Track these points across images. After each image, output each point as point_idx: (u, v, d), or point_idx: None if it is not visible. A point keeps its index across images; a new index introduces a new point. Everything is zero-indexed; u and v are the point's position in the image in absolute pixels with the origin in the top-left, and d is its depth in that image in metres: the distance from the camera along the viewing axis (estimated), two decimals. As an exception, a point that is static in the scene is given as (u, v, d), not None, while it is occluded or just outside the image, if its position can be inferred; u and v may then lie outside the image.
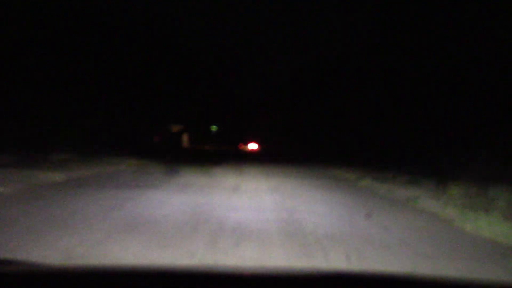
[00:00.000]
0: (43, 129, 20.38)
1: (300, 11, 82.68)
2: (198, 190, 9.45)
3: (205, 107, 51.73)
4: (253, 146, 69.17)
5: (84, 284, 1.31)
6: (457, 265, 4.41)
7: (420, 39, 18.01)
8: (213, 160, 24.15)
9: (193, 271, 1.63)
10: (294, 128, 45.61)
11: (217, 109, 59.34)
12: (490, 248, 5.33)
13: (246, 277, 1.52)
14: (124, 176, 12.38)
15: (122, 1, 30.63)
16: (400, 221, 6.82)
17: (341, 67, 29.92)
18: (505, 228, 6.16)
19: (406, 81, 19.11)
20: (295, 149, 41.16)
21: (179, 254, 4.31)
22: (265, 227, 5.75)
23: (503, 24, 14.35)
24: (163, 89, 36.68)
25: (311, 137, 38.00)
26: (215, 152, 41.51)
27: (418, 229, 6.30)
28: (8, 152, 15.94)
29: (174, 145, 40.08)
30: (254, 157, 32.09)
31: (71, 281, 1.32)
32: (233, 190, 9.83)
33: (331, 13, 59.94)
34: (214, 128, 61.33)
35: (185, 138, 48.94)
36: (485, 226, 6.34)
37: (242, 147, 69.30)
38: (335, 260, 4.34)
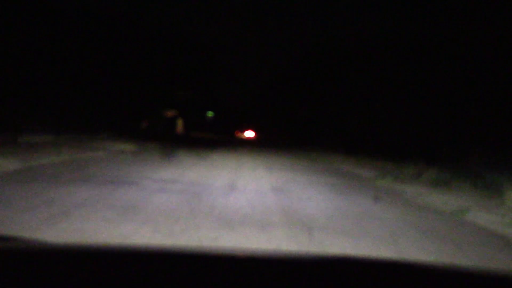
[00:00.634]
0: (17, 108, 18.19)
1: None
2: (190, 191, 7.38)
3: (201, 93, 49.45)
4: (249, 134, 67.33)
5: (84, 262, 1.24)
6: None
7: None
8: (207, 149, 22.06)
9: (188, 252, 1.56)
10: (293, 116, 43.42)
11: (213, 95, 57.03)
12: None
13: (241, 259, 1.45)
14: (98, 165, 10.28)
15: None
16: (469, 254, 4.79)
17: (349, 49, 27.75)
18: None
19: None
20: (295, 137, 39.04)
21: None
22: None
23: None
24: (156, 72, 34.50)
25: (312, 126, 35.90)
26: (210, 139, 39.34)
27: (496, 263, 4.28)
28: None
29: (167, 131, 37.84)
30: (251, 147, 29.95)
31: (71, 259, 1.26)
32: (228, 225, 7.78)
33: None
34: (210, 114, 58.87)
35: (179, 124, 46.70)
36: None
37: (238, 134, 67.31)
38: None
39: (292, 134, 41.73)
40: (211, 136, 51.49)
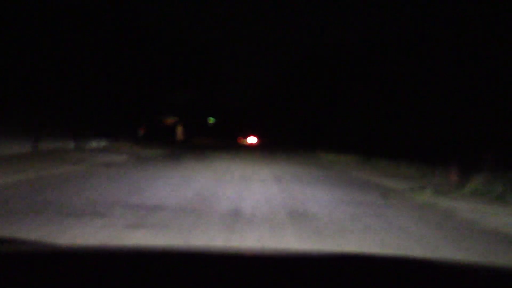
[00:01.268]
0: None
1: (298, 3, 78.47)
2: (176, 224, 5.34)
3: (201, 97, 47.47)
4: (252, 140, 65.55)
5: (85, 264, 1.22)
6: None
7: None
8: (208, 157, 20.01)
9: (192, 252, 1.55)
10: (300, 119, 41.24)
11: (215, 100, 55.00)
12: None
13: (246, 258, 1.44)
14: (68, 185, 8.23)
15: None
16: None
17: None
18: None
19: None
20: (302, 141, 36.86)
21: None
22: None
23: None
24: (154, 74, 32.57)
25: (320, 128, 33.79)
26: (212, 145, 37.28)
27: None
28: None
29: (167, 138, 35.80)
30: (256, 153, 27.79)
31: (73, 261, 1.24)
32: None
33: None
34: (211, 120, 56.65)
35: (179, 131, 44.67)
36: None
37: (241, 140, 65.36)
38: None
39: (299, 138, 39.57)
40: (213, 142, 49.50)
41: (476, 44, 14.84)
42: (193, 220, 5.44)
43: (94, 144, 22.29)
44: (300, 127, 40.77)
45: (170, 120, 41.55)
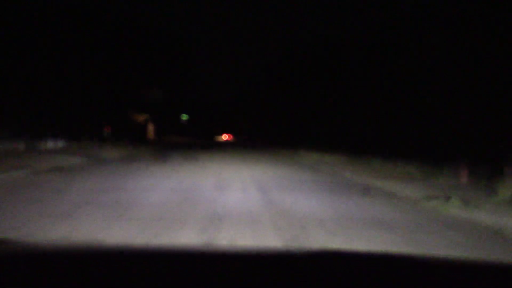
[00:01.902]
0: None
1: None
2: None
3: (174, 94, 44.99)
4: (228, 138, 63.84)
5: (79, 263, 1.19)
6: None
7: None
8: (179, 159, 17.86)
9: (188, 251, 1.53)
10: (281, 117, 39.29)
11: (189, 97, 52.52)
12: None
13: (241, 256, 1.38)
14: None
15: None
16: None
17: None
18: None
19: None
20: (282, 140, 34.94)
21: None
22: None
23: None
24: (122, 69, 30.08)
25: (302, 126, 31.94)
26: (185, 144, 35.00)
27: None
28: None
29: (137, 137, 33.28)
30: (233, 152, 25.69)
31: (67, 261, 1.22)
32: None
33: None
34: (185, 117, 54.06)
35: (150, 129, 42.13)
36: None
37: (216, 138, 63.32)
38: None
39: (280, 137, 37.63)
40: (187, 140, 47.15)
41: (478, 35, 13.19)
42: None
43: (50, 144, 19.79)
44: (281, 125, 38.85)
45: (140, 118, 39.00)
